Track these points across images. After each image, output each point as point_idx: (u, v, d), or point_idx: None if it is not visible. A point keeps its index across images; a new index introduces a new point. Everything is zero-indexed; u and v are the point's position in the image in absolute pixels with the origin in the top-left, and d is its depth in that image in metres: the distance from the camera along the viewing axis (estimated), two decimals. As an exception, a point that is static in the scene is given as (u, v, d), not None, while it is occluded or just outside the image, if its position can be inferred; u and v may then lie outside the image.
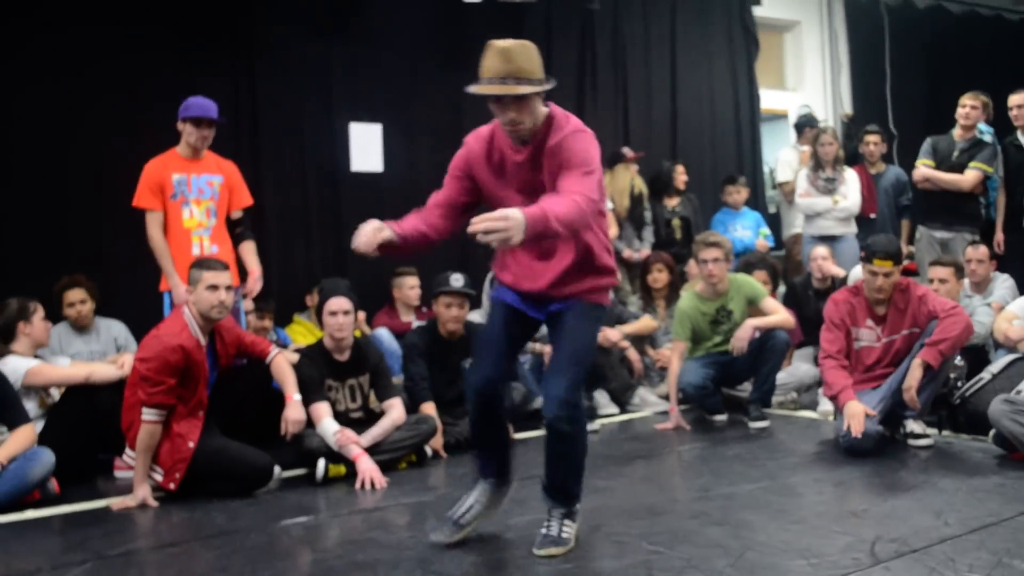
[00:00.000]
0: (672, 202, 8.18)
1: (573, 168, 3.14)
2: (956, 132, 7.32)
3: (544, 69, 3.21)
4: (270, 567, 3.61)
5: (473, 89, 3.15)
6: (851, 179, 7.71)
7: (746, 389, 6.27)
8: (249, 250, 5.69)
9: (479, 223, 2.75)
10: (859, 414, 4.97)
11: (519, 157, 3.33)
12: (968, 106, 7.19)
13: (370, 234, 3.24)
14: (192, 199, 5.46)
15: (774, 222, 9.11)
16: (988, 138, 7.35)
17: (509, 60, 3.10)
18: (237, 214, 5.69)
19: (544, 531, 3.56)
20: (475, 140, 3.47)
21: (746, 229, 8.33)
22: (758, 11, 9.76)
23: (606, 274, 3.52)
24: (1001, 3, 11.48)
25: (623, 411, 6.58)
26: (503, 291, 3.61)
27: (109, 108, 6.39)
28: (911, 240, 7.85)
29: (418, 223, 3.46)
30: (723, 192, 8.59)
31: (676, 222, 8.13)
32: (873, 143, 8.23)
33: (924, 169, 7.26)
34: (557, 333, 3.52)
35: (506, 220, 2.76)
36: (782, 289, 7.55)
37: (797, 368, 6.71)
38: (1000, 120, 7.36)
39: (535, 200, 3.04)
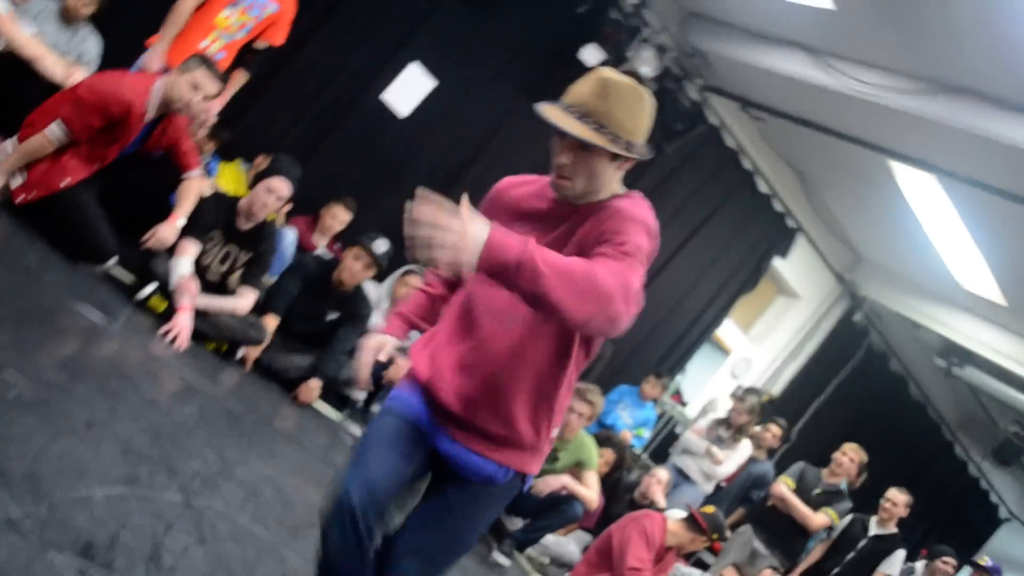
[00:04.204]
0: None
1: (612, 243, 2.20)
2: (825, 472, 7.49)
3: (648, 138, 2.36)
4: (38, 329, 3.53)
5: (541, 109, 2.29)
6: (739, 452, 7.86)
7: (515, 523, 6.28)
8: (237, 81, 5.62)
9: (418, 214, 1.97)
10: None
11: (554, 211, 2.42)
12: (848, 457, 7.36)
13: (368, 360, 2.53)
14: (241, 6, 5.38)
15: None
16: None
17: (604, 97, 2.26)
18: (261, 45, 5.62)
19: None
20: (510, 182, 2.61)
21: (631, 418, 8.37)
22: (778, 261, 9.98)
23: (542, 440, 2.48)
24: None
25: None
26: (406, 391, 2.52)
27: None
28: (735, 526, 7.99)
29: (421, 299, 2.71)
30: (642, 372, 8.63)
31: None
32: (772, 434, 8.41)
33: (784, 488, 7.38)
34: (443, 505, 2.47)
35: (449, 226, 1.95)
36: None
37: (567, 543, 6.75)
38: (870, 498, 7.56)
39: None
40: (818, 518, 7.25)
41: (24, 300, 3.67)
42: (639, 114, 2.31)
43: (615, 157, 2.31)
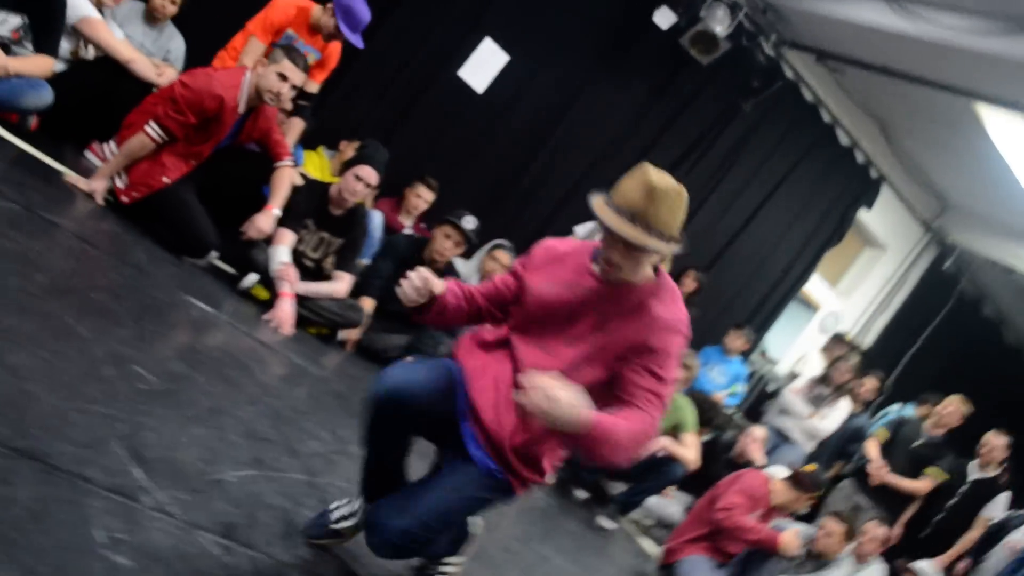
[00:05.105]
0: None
1: (654, 374, 2.57)
2: (927, 424, 7.40)
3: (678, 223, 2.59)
4: (154, 323, 3.68)
5: (596, 210, 2.57)
6: (840, 410, 7.84)
7: (617, 488, 6.36)
8: (296, 130, 5.88)
9: (532, 383, 2.27)
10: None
11: (596, 289, 2.69)
12: (950, 409, 7.28)
13: (420, 283, 2.67)
14: None
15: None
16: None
17: (652, 201, 2.51)
18: (312, 88, 5.86)
19: (417, 568, 3.09)
20: (561, 244, 2.87)
21: (723, 376, 8.37)
22: (863, 212, 9.86)
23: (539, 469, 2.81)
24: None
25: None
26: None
27: None
28: (835, 481, 7.96)
29: (458, 292, 2.83)
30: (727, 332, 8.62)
31: (658, 319, 8.05)
32: (868, 387, 8.35)
33: (881, 468, 7.31)
34: (451, 462, 2.75)
35: (555, 401, 2.25)
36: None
37: (669, 504, 6.81)
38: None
39: (576, 351, 2.63)
40: (923, 484, 7.17)
41: (139, 295, 3.82)
42: (679, 211, 2.60)
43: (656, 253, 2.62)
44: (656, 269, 2.71)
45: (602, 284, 2.67)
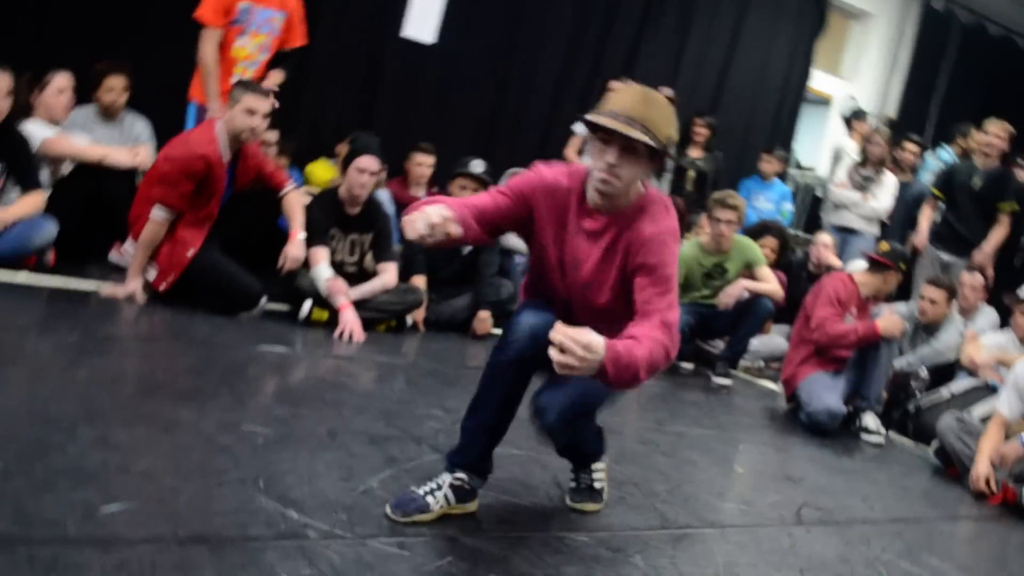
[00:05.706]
0: (695, 154, 8.16)
1: (657, 285, 2.62)
2: (978, 159, 7.33)
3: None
4: (243, 382, 3.80)
5: (591, 117, 2.61)
6: (888, 183, 7.87)
7: (718, 346, 6.44)
8: (276, 80, 5.74)
9: (561, 336, 2.23)
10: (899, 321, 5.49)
11: (591, 225, 2.78)
12: (994, 134, 7.17)
13: (436, 221, 2.45)
14: (251, 31, 5.52)
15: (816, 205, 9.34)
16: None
17: (647, 106, 2.61)
18: (288, 51, 5.78)
19: (573, 484, 3.22)
20: (551, 171, 2.86)
21: (769, 202, 8.39)
22: (834, -8, 9.77)
23: None
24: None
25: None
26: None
27: None
28: (915, 252, 7.96)
29: (468, 220, 2.66)
30: (758, 159, 8.62)
31: (690, 174, 8.12)
32: (911, 152, 8.32)
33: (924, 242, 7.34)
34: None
35: (586, 354, 2.23)
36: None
37: (772, 339, 6.88)
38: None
39: (593, 298, 2.77)
40: (999, 229, 7.12)
41: (218, 364, 3.95)
42: (671, 119, 2.68)
43: (652, 157, 2.67)
44: (645, 187, 2.79)
45: (599, 219, 2.76)
